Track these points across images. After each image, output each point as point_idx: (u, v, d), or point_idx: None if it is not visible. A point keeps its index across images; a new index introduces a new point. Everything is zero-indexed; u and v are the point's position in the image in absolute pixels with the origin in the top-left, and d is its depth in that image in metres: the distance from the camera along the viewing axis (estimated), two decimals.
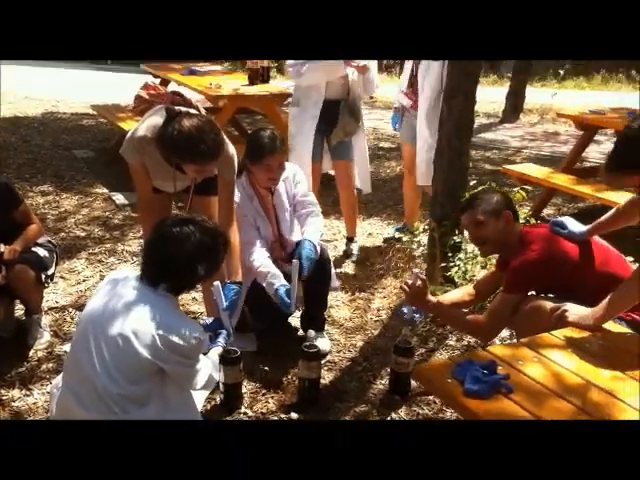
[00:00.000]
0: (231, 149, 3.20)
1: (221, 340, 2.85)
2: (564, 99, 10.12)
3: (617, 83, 13.30)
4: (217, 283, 2.90)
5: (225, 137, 3.10)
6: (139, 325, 2.28)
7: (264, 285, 3.32)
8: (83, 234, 4.99)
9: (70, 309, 3.87)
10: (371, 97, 9.27)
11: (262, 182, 3.42)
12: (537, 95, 10.75)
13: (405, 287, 3.06)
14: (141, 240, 4.79)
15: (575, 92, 12.02)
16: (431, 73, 4.46)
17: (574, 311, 2.47)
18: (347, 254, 4.75)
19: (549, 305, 2.61)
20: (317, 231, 3.46)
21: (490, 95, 10.92)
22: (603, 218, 3.00)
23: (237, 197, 3.36)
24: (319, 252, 3.39)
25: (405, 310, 3.14)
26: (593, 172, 5.83)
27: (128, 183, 5.70)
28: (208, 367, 2.55)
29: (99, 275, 4.31)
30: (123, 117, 6.59)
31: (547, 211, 5.66)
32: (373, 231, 5.28)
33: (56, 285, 4.11)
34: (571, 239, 2.90)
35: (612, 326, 2.46)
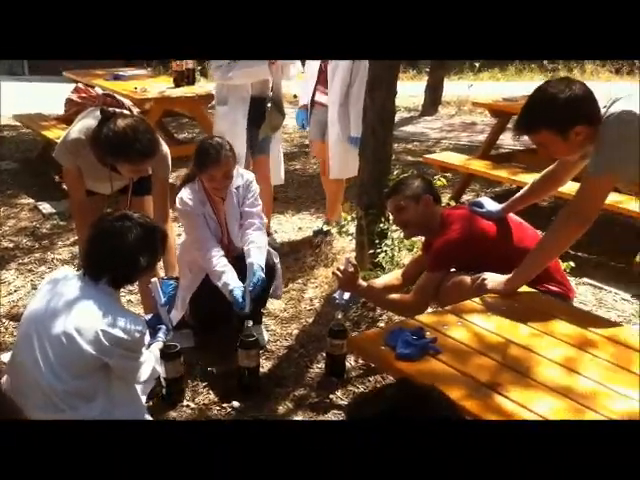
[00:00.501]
0: (165, 148, 3.27)
1: (161, 335, 2.91)
2: (480, 90, 10.44)
3: (530, 73, 13.79)
4: (155, 279, 2.96)
5: (159, 137, 3.17)
6: (82, 321, 2.32)
7: (218, 284, 3.34)
8: (11, 245, 4.94)
9: (3, 320, 3.84)
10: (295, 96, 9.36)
11: (209, 190, 3.45)
12: (454, 88, 11.08)
13: (338, 272, 3.20)
14: (71, 247, 4.79)
15: (491, 83, 12.42)
16: (340, 69, 4.60)
17: (491, 278, 2.65)
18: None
19: (469, 278, 2.78)
20: (263, 250, 3.46)
21: (410, 90, 11.17)
22: (517, 195, 3.19)
23: (190, 200, 3.41)
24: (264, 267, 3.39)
25: (337, 296, 3.27)
26: (508, 157, 6.09)
27: (54, 192, 5.71)
28: (151, 360, 2.61)
29: (30, 284, 4.29)
30: (47, 126, 6.51)
31: (466, 197, 5.88)
32: (303, 225, 5.39)
33: None
34: (488, 217, 3.08)
35: (525, 289, 2.65)
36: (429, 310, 3.05)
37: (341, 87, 4.65)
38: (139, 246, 2.46)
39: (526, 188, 3.18)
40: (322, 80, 4.75)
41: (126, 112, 3.17)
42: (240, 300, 3.22)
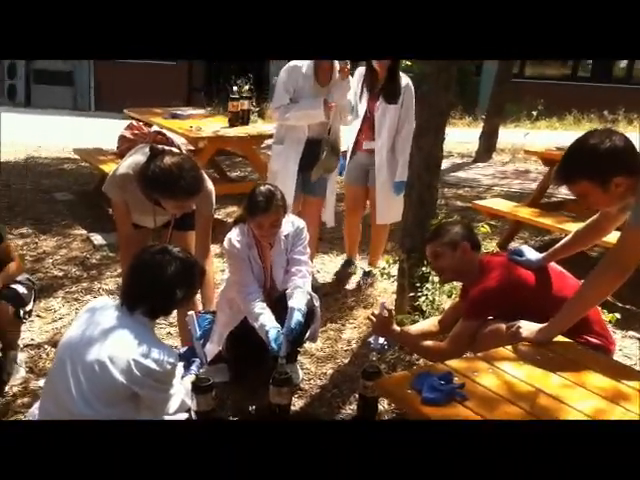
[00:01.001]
0: (209, 185, 3.33)
1: (194, 368, 2.92)
2: (536, 139, 10.36)
3: (589, 123, 13.64)
4: (191, 313, 2.99)
5: (204, 174, 3.23)
6: (115, 350, 2.35)
7: (255, 325, 3.35)
8: (60, 274, 5.06)
9: (46, 346, 3.93)
10: None
11: (257, 235, 3.46)
12: (510, 135, 11.02)
13: (372, 317, 3.19)
14: (118, 279, 4.88)
15: (547, 132, 12.32)
16: (388, 115, 4.68)
17: (526, 327, 2.59)
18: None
19: (504, 326, 2.73)
20: (305, 295, 3.43)
21: (465, 136, 11.19)
22: (559, 244, 3.13)
23: (237, 242, 3.44)
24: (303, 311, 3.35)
25: (372, 340, 3.26)
26: (558, 206, 5.99)
27: (106, 224, 5.85)
28: (181, 393, 2.62)
29: (75, 313, 4.37)
30: (105, 160, 6.71)
31: (514, 244, 5.79)
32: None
33: (32, 323, 4.17)
34: (528, 266, 3.03)
35: (560, 340, 2.58)
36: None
37: (389, 133, 4.71)
38: (176, 279, 2.50)
39: (569, 237, 3.12)
40: (367, 127, 4.78)
41: (175, 150, 3.25)
42: (275, 343, 3.21)
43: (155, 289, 2.49)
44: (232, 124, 6.50)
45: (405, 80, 4.72)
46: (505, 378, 2.25)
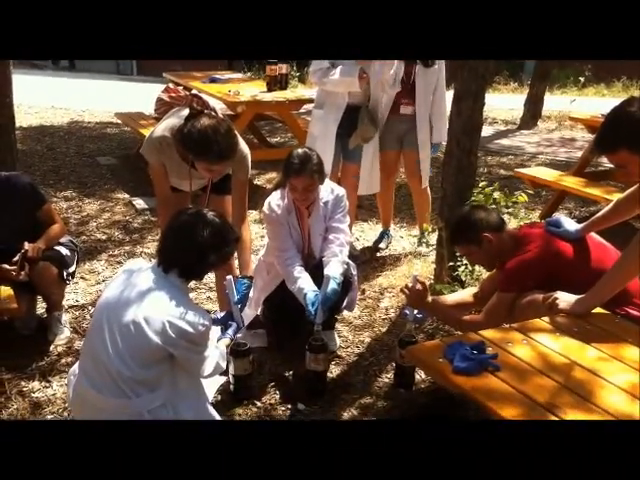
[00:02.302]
0: (245, 150, 3.32)
1: (230, 332, 2.97)
2: (583, 106, 10.12)
3: (638, 90, 13.25)
4: (230, 277, 3.02)
5: (241, 139, 3.23)
6: (150, 311, 2.39)
7: (293, 289, 3.38)
8: (104, 237, 5.16)
9: (90, 307, 4.01)
10: None
11: (293, 199, 3.46)
12: (556, 102, 10.77)
13: (405, 290, 3.18)
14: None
15: (595, 99, 12.01)
16: (425, 80, 4.67)
17: (564, 298, 2.56)
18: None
19: (542, 297, 2.70)
20: (341, 264, 3.43)
21: (509, 102, 10.99)
22: (598, 215, 3.07)
23: (277, 207, 3.46)
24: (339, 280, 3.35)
25: (407, 312, 3.26)
26: (604, 175, 5.85)
27: (149, 188, 5.90)
28: (216, 355, 2.66)
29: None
30: (146, 124, 6.77)
31: (558, 214, 5.70)
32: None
33: (77, 285, 4.27)
34: (566, 237, 2.98)
35: (599, 312, 2.54)
36: None
37: (427, 96, 4.71)
38: (209, 242, 2.53)
39: (609, 207, 3.06)
40: (404, 91, 4.71)
41: (212, 113, 3.25)
42: (312, 306, 3.23)
43: (188, 251, 2.52)
44: (270, 88, 6.45)
45: None
46: (540, 349, 2.23)
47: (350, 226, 4.44)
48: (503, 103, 10.90)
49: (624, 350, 2.26)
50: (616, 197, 4.78)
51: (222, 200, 3.48)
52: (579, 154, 7.68)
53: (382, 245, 5.13)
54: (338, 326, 3.85)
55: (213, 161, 3.03)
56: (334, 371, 3.43)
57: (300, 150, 3.41)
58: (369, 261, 4.84)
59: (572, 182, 5.35)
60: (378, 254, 4.99)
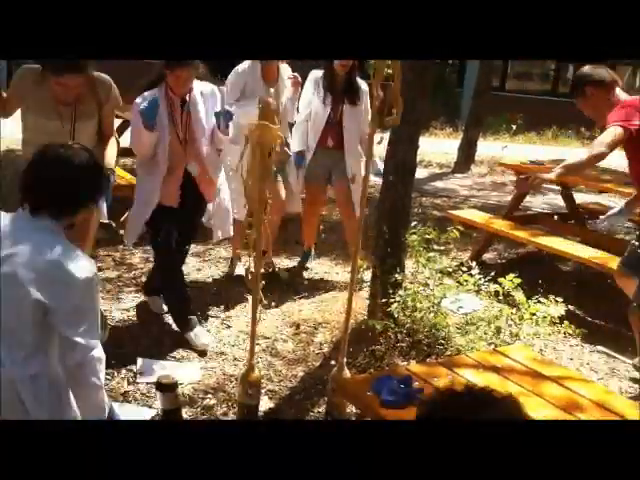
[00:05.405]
0: (105, 77, 3.61)
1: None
2: (514, 152, 10.53)
3: (567, 139, 13.85)
4: None
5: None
6: (23, 261, 2.14)
7: None
8: None
9: None
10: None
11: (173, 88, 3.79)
12: (489, 148, 11.18)
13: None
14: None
15: (526, 146, 12.50)
16: (352, 117, 4.90)
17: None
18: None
19: None
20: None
21: (445, 146, 11.32)
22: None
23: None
24: None
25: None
26: (533, 219, 6.11)
27: None
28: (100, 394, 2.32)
29: None
30: None
31: (488, 255, 5.91)
32: (321, 270, 5.45)
33: None
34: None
35: (523, 349, 2.67)
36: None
37: (355, 132, 4.95)
38: (78, 176, 2.31)
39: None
40: (331, 127, 4.92)
41: None
42: None
43: (56, 187, 2.26)
44: None
45: (363, 85, 4.91)
46: (463, 384, 2.32)
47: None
48: (439, 147, 11.23)
49: (544, 386, 2.37)
50: (542, 240, 5.04)
51: (87, 126, 3.58)
52: (509, 198, 7.99)
53: (308, 264, 5.38)
54: (272, 360, 3.89)
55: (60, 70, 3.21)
56: (266, 405, 3.46)
57: None
58: (299, 283, 5.03)
59: (501, 225, 5.55)
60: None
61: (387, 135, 4.15)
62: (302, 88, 4.92)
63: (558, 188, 6.49)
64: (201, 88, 3.92)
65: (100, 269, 4.78)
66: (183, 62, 3.61)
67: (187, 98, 3.84)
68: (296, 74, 4.81)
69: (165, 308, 4.26)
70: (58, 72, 3.23)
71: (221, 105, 4.01)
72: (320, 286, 5.11)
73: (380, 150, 4.27)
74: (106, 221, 3.94)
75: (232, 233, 4.47)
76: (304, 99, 4.96)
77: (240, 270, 5.08)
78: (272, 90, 4.72)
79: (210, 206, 4.16)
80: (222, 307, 4.57)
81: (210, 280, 5.05)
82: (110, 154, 3.64)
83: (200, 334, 4.00)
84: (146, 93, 3.73)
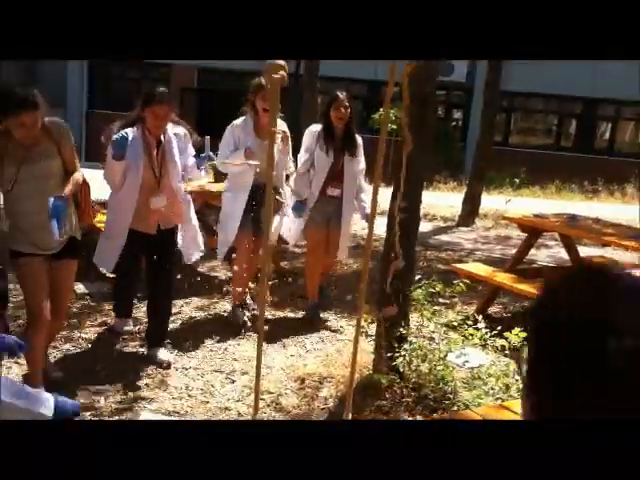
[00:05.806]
0: (62, 122, 3.82)
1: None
2: (518, 206, 10.60)
3: (570, 192, 13.95)
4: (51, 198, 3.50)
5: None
6: None
7: None
8: None
9: None
10: None
11: (151, 128, 4.22)
12: (493, 201, 11.25)
13: None
14: (98, 328, 4.95)
15: (529, 199, 12.58)
16: (351, 167, 5.24)
17: None
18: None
19: None
20: None
21: (449, 200, 11.40)
22: None
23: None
24: None
25: None
26: (536, 273, 6.10)
27: (90, 274, 5.90)
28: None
29: (53, 359, 4.39)
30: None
31: (493, 309, 5.89)
32: (326, 324, 5.43)
33: (10, 369, 4.17)
34: None
35: None
36: None
37: (353, 181, 5.28)
38: None
39: None
40: (332, 176, 5.21)
41: None
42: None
43: None
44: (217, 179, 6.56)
45: (359, 139, 5.29)
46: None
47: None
48: (443, 200, 11.31)
49: None
50: None
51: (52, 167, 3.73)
52: (513, 251, 8.00)
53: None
54: (277, 415, 3.85)
55: (19, 111, 3.37)
56: None
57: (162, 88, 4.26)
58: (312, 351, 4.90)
59: (505, 278, 5.55)
60: (317, 342, 5.04)
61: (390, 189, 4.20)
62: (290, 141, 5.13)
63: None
64: (175, 130, 4.37)
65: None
66: (161, 100, 4.06)
67: (162, 139, 4.25)
68: (285, 129, 5.00)
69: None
70: (13, 113, 3.40)
71: (203, 149, 4.68)
72: (325, 340, 5.09)
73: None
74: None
75: (202, 253, 4.94)
76: (304, 151, 5.23)
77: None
78: (265, 142, 4.82)
79: (180, 227, 4.58)
80: (226, 361, 4.55)
81: (213, 334, 5.03)
82: (68, 182, 3.78)
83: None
84: (123, 130, 4.09)
